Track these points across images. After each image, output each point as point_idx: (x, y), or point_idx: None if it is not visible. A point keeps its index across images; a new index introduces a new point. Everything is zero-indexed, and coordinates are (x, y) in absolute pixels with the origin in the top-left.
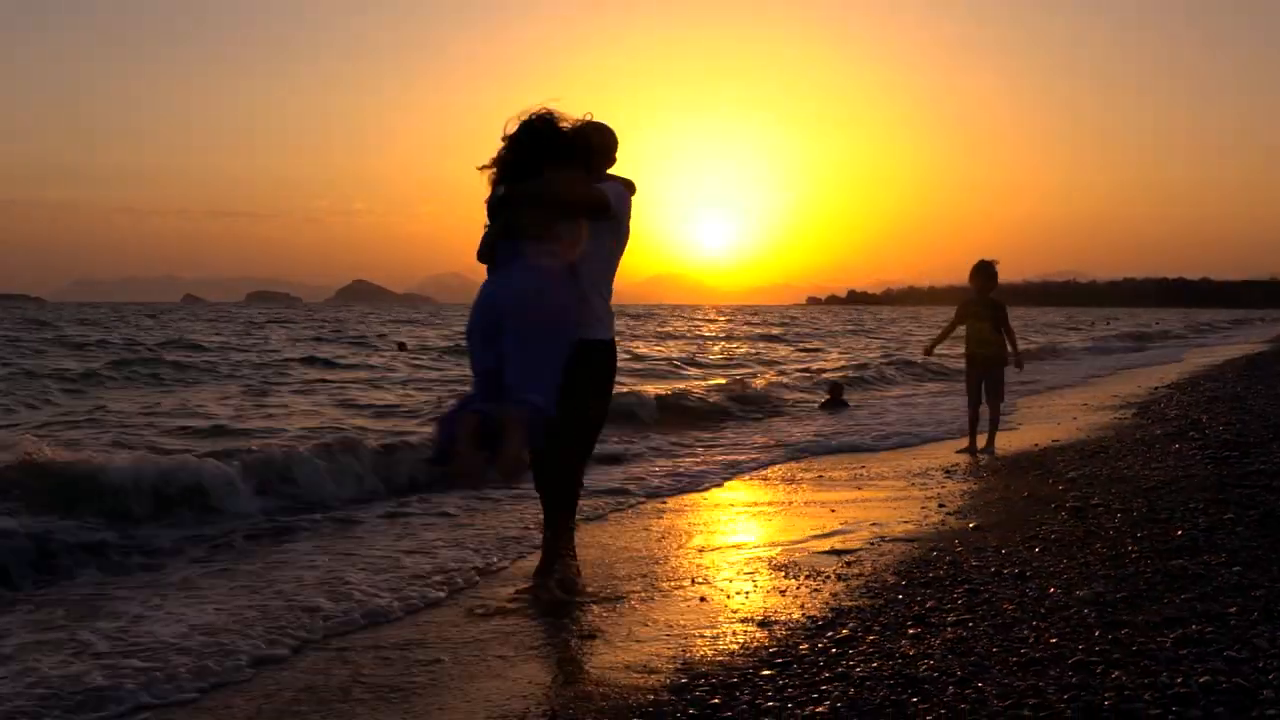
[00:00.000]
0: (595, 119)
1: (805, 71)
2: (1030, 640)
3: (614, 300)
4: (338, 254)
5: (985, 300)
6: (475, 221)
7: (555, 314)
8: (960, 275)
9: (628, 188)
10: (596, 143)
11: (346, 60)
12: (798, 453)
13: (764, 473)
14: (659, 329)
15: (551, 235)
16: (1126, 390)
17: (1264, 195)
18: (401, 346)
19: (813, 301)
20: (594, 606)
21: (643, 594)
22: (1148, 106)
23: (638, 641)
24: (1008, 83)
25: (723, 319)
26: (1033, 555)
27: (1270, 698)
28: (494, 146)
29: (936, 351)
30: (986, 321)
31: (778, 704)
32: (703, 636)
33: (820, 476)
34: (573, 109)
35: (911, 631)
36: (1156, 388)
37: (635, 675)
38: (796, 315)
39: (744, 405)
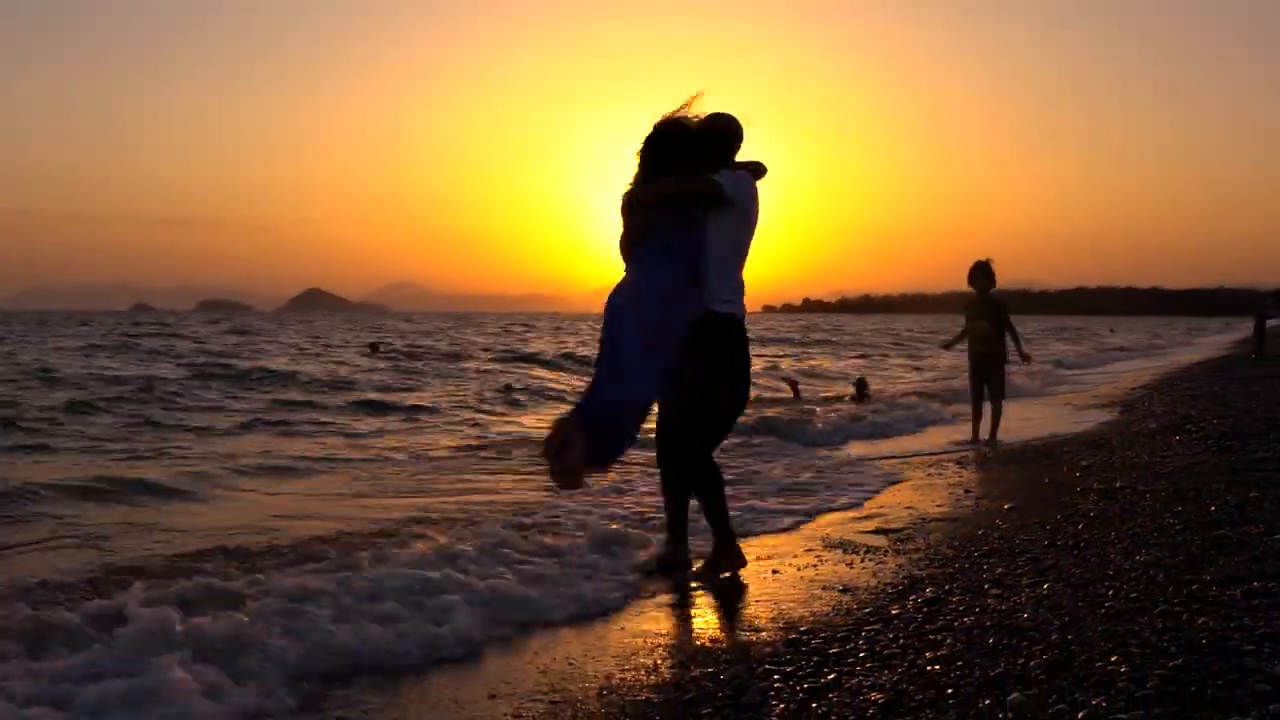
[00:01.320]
0: (722, 111)
1: (759, 77)
2: (1111, 595)
3: (568, 310)
4: (290, 262)
5: (986, 299)
6: (432, 229)
7: (653, 309)
8: (914, 283)
9: (753, 172)
10: (717, 132)
11: (299, 65)
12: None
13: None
14: None
15: (663, 231)
16: (1105, 391)
17: (1211, 205)
18: (374, 348)
19: (768, 310)
20: (669, 579)
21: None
22: (1096, 116)
23: (729, 607)
24: (958, 92)
25: None
26: (1078, 530)
27: None
28: (450, 154)
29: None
30: (986, 320)
31: (898, 649)
32: (790, 602)
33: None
34: (528, 108)
35: (994, 593)
36: (1133, 389)
37: (744, 633)
38: (777, 324)
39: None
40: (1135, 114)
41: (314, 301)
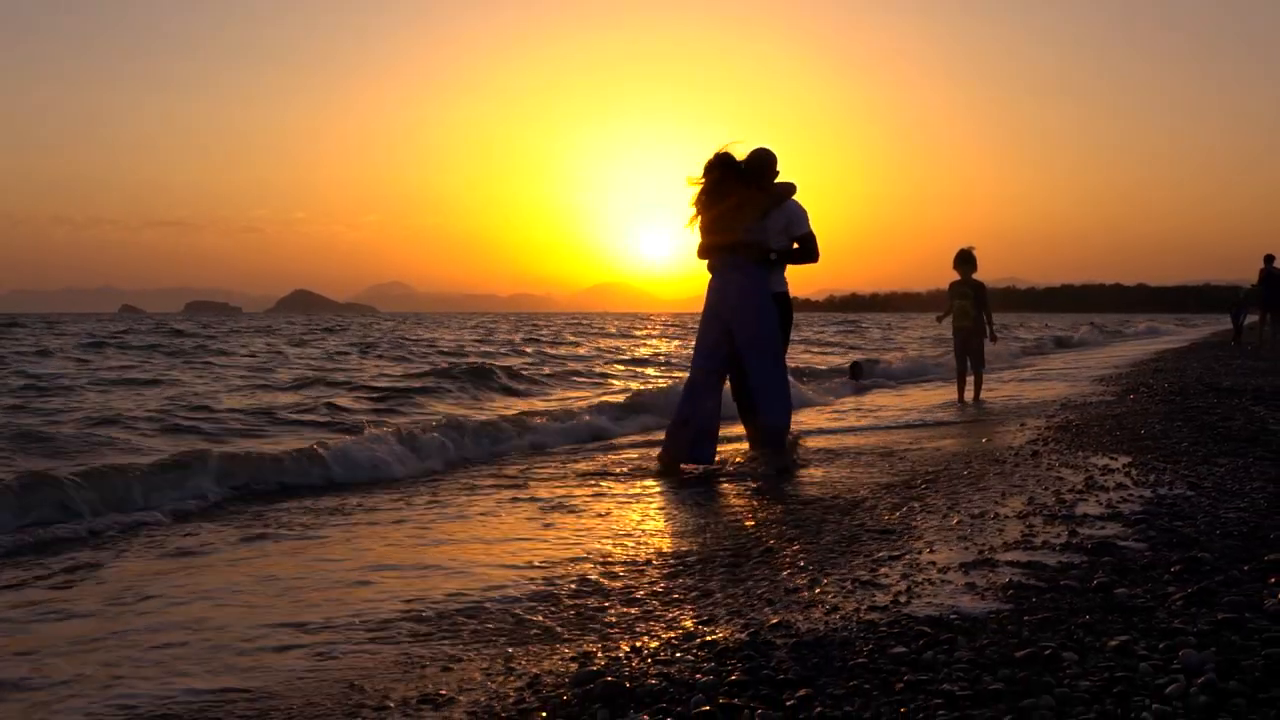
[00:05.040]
0: (761, 145)
1: (742, 82)
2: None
3: (556, 309)
4: (278, 263)
5: (969, 282)
6: (419, 230)
7: None
8: (900, 281)
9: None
10: (753, 163)
11: (283, 66)
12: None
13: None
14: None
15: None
16: (1078, 373)
17: (1196, 203)
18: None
19: None
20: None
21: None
22: (1084, 116)
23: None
24: (942, 91)
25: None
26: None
27: (1210, 488)
28: (436, 156)
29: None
30: (968, 300)
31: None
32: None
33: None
34: (516, 109)
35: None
36: (1116, 367)
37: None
38: None
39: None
40: (1118, 114)
41: (302, 302)
